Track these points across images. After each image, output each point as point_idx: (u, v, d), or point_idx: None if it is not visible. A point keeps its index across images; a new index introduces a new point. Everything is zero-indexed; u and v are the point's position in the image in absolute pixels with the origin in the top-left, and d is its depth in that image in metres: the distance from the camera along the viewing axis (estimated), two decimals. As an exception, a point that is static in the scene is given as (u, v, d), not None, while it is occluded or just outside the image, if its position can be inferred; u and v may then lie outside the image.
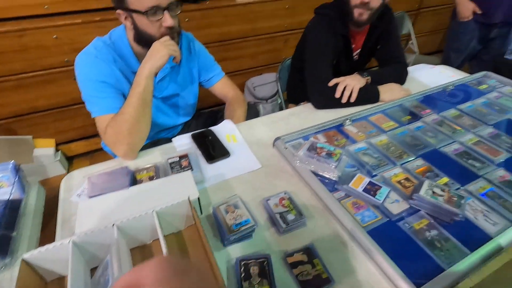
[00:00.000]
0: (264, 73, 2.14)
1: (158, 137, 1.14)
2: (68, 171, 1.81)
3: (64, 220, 0.69)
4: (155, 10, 0.80)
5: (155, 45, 0.84)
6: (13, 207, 0.66)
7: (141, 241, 0.62)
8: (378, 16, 1.14)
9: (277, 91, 1.53)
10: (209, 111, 1.34)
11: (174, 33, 0.88)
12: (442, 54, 2.05)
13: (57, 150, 1.77)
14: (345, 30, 1.12)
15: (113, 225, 0.55)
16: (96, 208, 0.63)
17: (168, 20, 0.82)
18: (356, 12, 1.06)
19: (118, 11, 0.83)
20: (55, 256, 0.53)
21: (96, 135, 1.90)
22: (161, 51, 0.83)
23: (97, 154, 1.94)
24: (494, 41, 1.74)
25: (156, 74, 0.96)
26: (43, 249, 0.52)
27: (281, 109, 1.57)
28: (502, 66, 1.47)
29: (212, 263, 0.52)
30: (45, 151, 1.68)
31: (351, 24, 1.12)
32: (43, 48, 1.48)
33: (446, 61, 1.91)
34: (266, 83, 2.07)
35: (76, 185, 0.78)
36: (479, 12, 1.64)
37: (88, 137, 1.89)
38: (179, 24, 0.91)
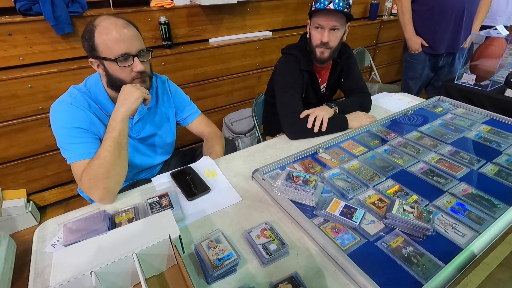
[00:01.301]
0: (240, 109, 2.22)
1: (137, 178, 1.13)
2: (40, 222, 1.71)
3: (37, 274, 0.65)
4: (125, 57, 0.85)
5: (128, 88, 0.87)
6: (-20, 264, 0.62)
7: (122, 286, 0.60)
8: (338, 53, 1.27)
9: (254, 125, 1.60)
10: (188, 149, 1.36)
11: (146, 77, 0.92)
12: (401, 83, 2.25)
13: (28, 200, 1.68)
14: (310, 66, 1.23)
15: (91, 272, 0.54)
16: (72, 256, 0.61)
17: (138, 65, 0.87)
18: (318, 51, 1.18)
19: (91, 59, 0.87)
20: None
21: (71, 181, 1.84)
22: (135, 94, 0.86)
23: (72, 202, 1.86)
24: (443, 68, 1.96)
25: (133, 116, 0.99)
26: (14, 306, 0.49)
27: (258, 142, 1.63)
28: (452, 90, 1.63)
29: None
30: (14, 203, 1.59)
31: (314, 61, 1.23)
32: (16, 97, 1.47)
33: (405, 89, 2.09)
34: (243, 118, 2.14)
35: (50, 234, 0.75)
36: (426, 45, 1.85)
37: (62, 184, 1.82)
38: (150, 69, 0.96)
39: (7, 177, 1.62)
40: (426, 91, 2.18)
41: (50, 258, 0.67)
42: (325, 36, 1.13)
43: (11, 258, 0.70)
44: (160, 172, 1.17)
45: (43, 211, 1.80)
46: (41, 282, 0.63)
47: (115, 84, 0.90)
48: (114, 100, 0.94)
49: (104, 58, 0.84)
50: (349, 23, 1.18)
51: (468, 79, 1.59)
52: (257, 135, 1.58)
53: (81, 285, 0.54)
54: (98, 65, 0.88)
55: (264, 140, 1.57)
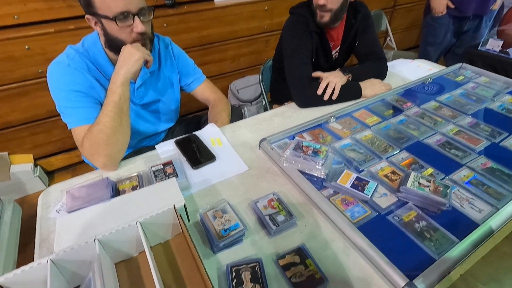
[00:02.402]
0: (247, 75, 2.13)
1: (140, 145, 1.10)
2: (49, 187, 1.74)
3: (42, 239, 0.65)
4: (124, 16, 0.77)
5: (128, 49, 0.81)
6: (-15, 229, 0.62)
7: (127, 254, 0.59)
8: (353, 14, 1.16)
9: (261, 92, 1.53)
10: (192, 116, 1.32)
11: (146, 39, 0.85)
12: (419, 49, 2.11)
13: (35, 165, 1.69)
14: (318, 28, 1.13)
15: (95, 239, 0.52)
16: (75, 223, 0.60)
17: (138, 25, 0.79)
18: (318, 14, 1.08)
19: (87, 16, 0.80)
20: (33, 277, 0.50)
21: (76, 147, 1.83)
22: (135, 55, 0.80)
23: (79, 167, 1.87)
24: (467, 33, 1.81)
25: (135, 80, 0.94)
26: (18, 271, 0.48)
27: (265, 110, 1.57)
28: (475, 57, 1.52)
29: (202, 272, 0.50)
30: (22, 167, 1.60)
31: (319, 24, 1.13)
32: (14, 59, 1.41)
33: (423, 55, 1.96)
34: (250, 85, 2.06)
35: (54, 200, 0.74)
36: (452, 6, 1.70)
37: (68, 150, 1.82)
38: (152, 30, 0.88)
39: (12, 142, 1.61)
40: (445, 58, 2.05)
41: (55, 223, 0.66)
42: None
43: (16, 222, 0.70)
44: (164, 140, 1.14)
45: (51, 176, 1.82)
46: (46, 247, 0.63)
47: (114, 45, 0.83)
48: (114, 62, 0.88)
49: (102, 16, 0.77)
50: None
51: (494, 45, 1.47)
52: (264, 103, 1.52)
53: (85, 252, 0.53)
54: (95, 23, 0.81)
55: (271, 108, 1.51)
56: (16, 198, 1.58)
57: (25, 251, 0.67)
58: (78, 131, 0.80)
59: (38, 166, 1.71)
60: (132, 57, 0.79)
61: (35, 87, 1.52)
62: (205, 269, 0.50)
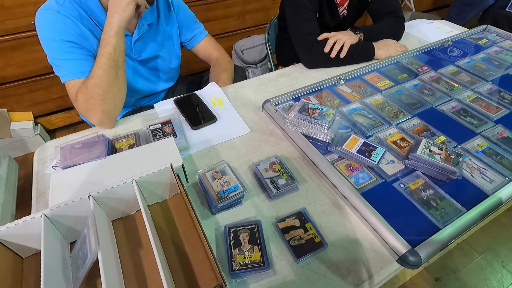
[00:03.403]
0: (252, 35, 2.01)
1: (139, 104, 1.06)
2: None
3: (39, 195, 0.64)
4: None
5: None
6: (-20, 182, 0.61)
7: (124, 212, 0.58)
8: None
9: (267, 54, 1.44)
10: (194, 75, 1.26)
11: None
12: (450, 8, 1.94)
13: (36, 123, 1.67)
14: None
15: (89, 196, 0.51)
16: (70, 179, 0.58)
17: None
18: None
19: None
20: (28, 231, 0.49)
21: (76, 106, 1.80)
22: None
23: (81, 126, 1.85)
24: None
25: (131, 33, 0.87)
26: (12, 224, 0.48)
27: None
28: (502, 19, 1.39)
29: (199, 232, 0.49)
30: (23, 125, 1.59)
31: None
32: (3, 9, 1.32)
33: (456, 15, 1.81)
34: (255, 46, 1.95)
35: (50, 156, 0.72)
36: None
37: (68, 109, 1.79)
38: None
39: (10, 98, 1.58)
40: (479, 20, 1.90)
41: (50, 179, 0.65)
42: None
43: (13, 177, 0.69)
44: (164, 100, 1.10)
45: (53, 135, 1.81)
46: (43, 203, 0.62)
47: None
48: (107, 9, 0.81)
49: None
50: None
51: (524, 6, 1.34)
52: (269, 66, 1.44)
53: (80, 208, 0.51)
54: None
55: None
56: (18, 156, 1.58)
57: (26, 208, 0.66)
58: (72, 85, 0.76)
59: (39, 125, 1.69)
60: (122, 1, 0.72)
61: (30, 40, 1.44)
62: (202, 229, 0.48)
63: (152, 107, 0.88)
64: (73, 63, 0.75)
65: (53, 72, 1.58)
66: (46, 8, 0.75)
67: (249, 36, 2.01)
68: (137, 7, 0.76)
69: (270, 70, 1.44)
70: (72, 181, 0.58)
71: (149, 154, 0.64)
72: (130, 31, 0.88)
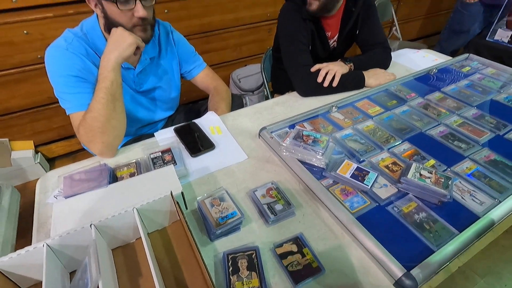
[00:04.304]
0: (248, 65, 2.10)
1: (140, 133, 1.10)
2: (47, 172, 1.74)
3: (40, 224, 0.65)
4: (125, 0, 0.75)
5: (119, 31, 0.78)
6: (-17, 213, 0.62)
7: (124, 240, 0.59)
8: (353, 1, 1.12)
9: (263, 82, 1.51)
10: (192, 105, 1.31)
11: (147, 25, 0.83)
12: (440, 35, 2.07)
13: (36, 152, 1.69)
14: (312, 15, 1.09)
15: (91, 225, 0.52)
16: (72, 208, 0.59)
17: (140, 10, 0.77)
18: (307, 1, 1.05)
19: None
20: (29, 261, 0.50)
21: (77, 134, 1.83)
22: (128, 39, 0.77)
23: (80, 154, 1.87)
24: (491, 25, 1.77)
25: (134, 66, 0.92)
26: (14, 254, 0.48)
27: (267, 99, 1.55)
28: (482, 48, 1.48)
29: (198, 259, 0.50)
30: (23, 154, 1.60)
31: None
32: (12, 44, 1.39)
33: (444, 42, 1.93)
34: (251, 75, 2.03)
35: (52, 186, 0.74)
36: None
37: (69, 137, 1.82)
38: (153, 16, 0.86)
39: (12, 128, 1.61)
40: (464, 49, 2.02)
41: (52, 209, 0.67)
42: None
43: (15, 207, 0.70)
44: (164, 128, 1.13)
45: (52, 163, 1.83)
46: (44, 232, 0.63)
47: None
48: None
49: None
50: None
51: (502, 35, 1.43)
52: (265, 93, 1.50)
53: (81, 237, 0.52)
54: (95, 5, 0.78)
55: (273, 98, 1.49)
56: (17, 185, 1.58)
57: (25, 237, 0.67)
58: (75, 117, 0.79)
59: (39, 153, 1.71)
60: (124, 41, 0.77)
61: (35, 73, 1.51)
62: (201, 256, 0.49)
63: (152, 135, 0.91)
64: (78, 96, 0.79)
65: (55, 103, 1.64)
66: (56, 46, 0.80)
67: (246, 65, 2.11)
68: (137, 47, 0.82)
69: (266, 97, 1.50)
70: (74, 210, 0.59)
71: (149, 182, 0.66)
72: (132, 65, 0.93)
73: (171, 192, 0.58)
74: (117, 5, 0.75)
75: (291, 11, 1.09)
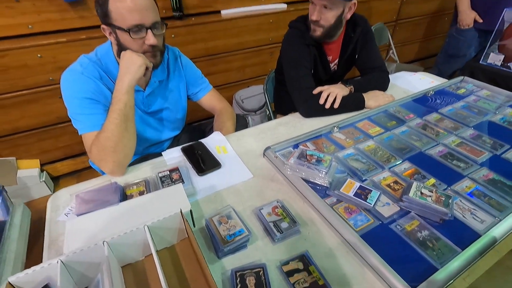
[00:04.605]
0: (251, 86, 2.17)
1: (147, 152, 1.12)
2: (54, 192, 1.76)
3: (51, 241, 0.66)
4: (138, 28, 0.80)
5: (128, 54, 0.83)
6: (-3, 230, 0.64)
7: (133, 258, 0.60)
8: (353, 28, 1.19)
9: (265, 102, 1.56)
10: (198, 124, 1.35)
11: (157, 51, 0.88)
12: (436, 59, 2.14)
13: (42, 170, 1.72)
14: (315, 41, 1.16)
15: (104, 242, 0.54)
16: (84, 226, 0.61)
17: (150, 38, 0.83)
18: (311, 27, 1.12)
19: (103, 26, 0.83)
20: (43, 277, 0.51)
21: (82, 153, 1.87)
22: (137, 61, 0.82)
23: (85, 173, 1.89)
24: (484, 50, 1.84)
25: (144, 88, 0.97)
26: (30, 271, 0.50)
27: (269, 119, 1.59)
28: (477, 71, 1.54)
29: (207, 276, 0.51)
30: (29, 172, 1.63)
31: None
32: (26, 67, 1.46)
33: (440, 66, 1.99)
34: (254, 95, 2.09)
35: (63, 204, 0.76)
36: (480, 21, 1.74)
37: (74, 156, 1.85)
38: (163, 43, 0.92)
39: (20, 147, 1.64)
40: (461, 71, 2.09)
41: (63, 226, 0.68)
42: (315, 13, 1.07)
43: (26, 225, 0.71)
44: (169, 147, 1.16)
45: (57, 182, 1.84)
46: (55, 250, 0.64)
47: None
48: None
49: (117, 27, 0.80)
50: (354, 1, 1.08)
51: (495, 59, 1.49)
52: (268, 113, 1.54)
53: (94, 254, 0.54)
54: (110, 33, 0.84)
55: (275, 118, 1.54)
56: (23, 203, 1.60)
57: (31, 254, 0.68)
58: (88, 137, 0.83)
59: (44, 172, 1.73)
60: (134, 64, 0.82)
61: (45, 94, 1.56)
62: (210, 273, 0.51)
63: (159, 154, 0.94)
64: (91, 117, 0.83)
65: (62, 122, 1.69)
66: (72, 71, 0.85)
67: (248, 86, 2.17)
68: (146, 68, 0.87)
69: (269, 117, 1.55)
70: (86, 228, 0.61)
71: (159, 200, 0.68)
72: (142, 87, 0.98)
73: (180, 210, 0.60)
74: (130, 34, 0.80)
75: (295, 38, 1.16)
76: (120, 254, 0.58)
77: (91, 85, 0.84)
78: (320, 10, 1.05)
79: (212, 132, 1.05)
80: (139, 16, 0.78)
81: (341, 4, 1.05)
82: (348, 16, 1.12)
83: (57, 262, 0.51)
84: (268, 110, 1.54)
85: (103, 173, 1.05)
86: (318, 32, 1.11)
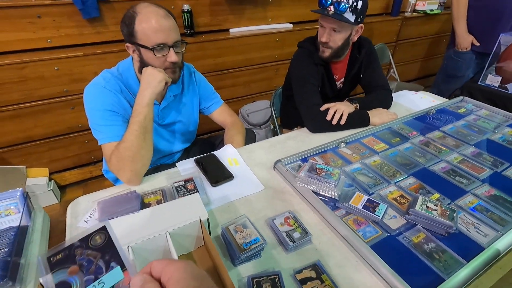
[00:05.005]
0: (256, 101, 2.23)
1: (159, 163, 1.16)
2: (61, 201, 1.78)
3: (71, 246, 0.69)
4: (161, 47, 0.87)
5: (149, 70, 0.88)
6: (21, 234, 0.67)
7: (152, 263, 0.63)
8: (358, 49, 1.26)
9: (270, 117, 1.61)
10: (207, 137, 1.39)
11: (177, 68, 0.94)
12: (434, 79, 2.21)
13: (50, 179, 1.75)
14: (323, 60, 1.23)
15: (128, 247, 0.57)
16: (108, 231, 0.64)
17: (172, 56, 0.89)
18: (320, 48, 1.19)
19: (128, 44, 0.89)
20: (69, 280, 0.54)
21: (90, 163, 1.90)
22: (158, 77, 0.88)
23: (91, 183, 1.92)
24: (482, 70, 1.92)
25: (159, 102, 1.02)
26: (58, 273, 0.52)
27: (275, 134, 1.64)
28: (475, 91, 1.61)
29: (227, 281, 0.54)
30: (38, 181, 1.66)
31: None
32: (43, 79, 1.52)
33: (440, 86, 2.05)
34: (259, 110, 2.15)
35: (82, 211, 0.78)
36: (477, 44, 1.81)
37: (81, 166, 1.88)
38: (182, 60, 0.98)
39: (31, 155, 1.68)
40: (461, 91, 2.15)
41: (83, 232, 0.71)
42: (324, 35, 1.14)
43: (46, 229, 0.74)
44: (180, 159, 1.20)
45: (63, 190, 1.87)
46: (76, 254, 0.67)
47: None
48: None
49: (141, 45, 0.86)
50: (361, 25, 1.16)
51: (493, 80, 1.56)
52: (272, 127, 1.60)
53: (118, 258, 0.57)
54: (133, 51, 0.90)
55: (281, 132, 1.58)
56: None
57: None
58: (108, 147, 0.87)
59: (52, 180, 1.76)
60: (155, 79, 0.87)
61: (59, 104, 1.61)
62: (230, 278, 0.53)
63: (170, 165, 0.98)
64: (111, 128, 0.88)
65: (73, 132, 1.73)
66: (95, 84, 0.90)
67: (254, 101, 2.23)
68: (165, 83, 0.92)
69: (274, 131, 1.59)
70: (109, 233, 0.63)
71: (177, 208, 0.70)
72: (158, 101, 1.03)
73: (200, 218, 0.63)
74: (154, 52, 0.86)
75: (304, 57, 1.23)
76: (141, 259, 0.60)
77: (113, 98, 0.89)
78: (329, 33, 1.12)
79: (222, 145, 1.09)
80: (163, 35, 0.84)
81: (349, 28, 1.12)
82: (355, 38, 1.19)
83: (85, 264, 0.53)
84: (275, 124, 1.59)
85: (116, 183, 1.09)
86: (327, 53, 1.18)
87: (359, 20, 1.11)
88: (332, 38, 1.13)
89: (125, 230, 0.64)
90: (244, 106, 2.18)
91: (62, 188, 1.86)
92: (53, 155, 1.75)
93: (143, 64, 0.90)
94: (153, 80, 0.88)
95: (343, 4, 1.04)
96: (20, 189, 0.73)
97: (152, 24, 0.83)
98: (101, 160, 1.91)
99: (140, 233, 0.61)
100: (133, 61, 0.95)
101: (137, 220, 0.67)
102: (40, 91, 1.54)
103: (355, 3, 1.06)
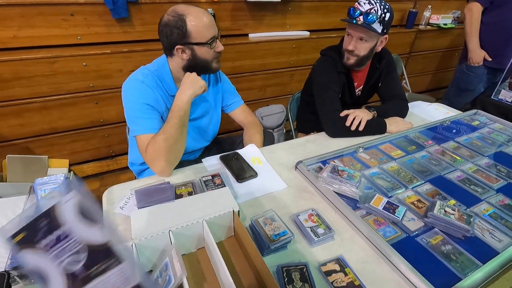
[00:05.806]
0: (271, 104, 2.28)
1: (182, 159, 1.21)
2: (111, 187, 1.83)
3: (109, 230, 0.74)
4: (213, 40, 0.95)
5: (193, 76, 0.96)
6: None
7: (188, 249, 0.68)
8: (378, 59, 1.31)
9: (283, 121, 1.66)
10: (226, 137, 1.44)
11: (220, 56, 1.03)
12: (446, 92, 2.25)
13: (69, 170, 1.80)
14: (345, 69, 1.28)
15: (169, 231, 0.62)
16: (147, 217, 0.68)
17: (220, 46, 0.99)
18: (345, 56, 1.24)
19: (178, 46, 0.94)
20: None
21: (107, 157, 1.96)
22: (200, 82, 0.96)
23: (107, 176, 1.97)
24: (495, 85, 1.95)
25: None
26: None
27: (288, 137, 1.69)
28: (488, 105, 1.64)
29: (262, 266, 0.58)
30: (58, 171, 1.71)
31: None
32: (71, 73, 1.58)
33: (451, 99, 2.08)
34: (273, 114, 2.19)
35: (117, 198, 0.84)
36: (489, 59, 1.86)
37: (100, 159, 1.94)
38: None
39: (54, 146, 1.74)
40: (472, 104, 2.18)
41: (119, 218, 0.77)
42: (351, 44, 1.18)
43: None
44: (200, 157, 1.25)
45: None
46: (115, 237, 0.71)
47: (198, 67, 0.99)
48: (177, 82, 1.02)
49: (196, 43, 0.93)
50: (386, 36, 1.21)
51: (506, 95, 1.60)
52: (284, 131, 1.63)
53: (158, 241, 0.62)
54: (182, 51, 0.95)
55: (296, 136, 1.63)
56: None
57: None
58: (143, 138, 0.92)
59: (71, 172, 1.82)
60: (198, 83, 0.95)
61: (83, 99, 1.68)
62: (264, 262, 0.58)
63: (192, 162, 1.03)
64: (148, 121, 0.93)
65: (95, 126, 1.79)
66: (134, 79, 0.96)
67: (268, 105, 2.28)
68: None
69: (291, 135, 1.64)
70: (148, 219, 0.68)
71: (209, 200, 0.75)
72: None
73: (233, 209, 0.68)
74: (210, 46, 0.95)
75: (328, 65, 1.28)
76: (178, 244, 0.65)
77: (150, 92, 0.95)
78: (356, 41, 1.17)
79: (242, 144, 1.14)
80: (213, 29, 0.94)
81: (375, 38, 1.18)
82: (379, 48, 1.24)
83: (131, 245, 0.58)
84: (291, 128, 1.63)
85: (140, 176, 1.14)
86: (352, 60, 1.22)
87: (385, 31, 1.16)
88: (359, 46, 1.18)
89: (164, 217, 0.69)
90: (259, 109, 2.23)
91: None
92: (74, 147, 1.81)
93: (196, 61, 0.97)
94: (196, 84, 0.96)
95: (371, 15, 1.09)
96: (63, 174, 0.78)
97: (204, 21, 0.91)
98: (119, 155, 1.98)
99: (178, 220, 0.66)
100: (169, 61, 1.00)
101: (173, 208, 0.71)
102: (68, 85, 1.61)
103: (383, 15, 1.11)
